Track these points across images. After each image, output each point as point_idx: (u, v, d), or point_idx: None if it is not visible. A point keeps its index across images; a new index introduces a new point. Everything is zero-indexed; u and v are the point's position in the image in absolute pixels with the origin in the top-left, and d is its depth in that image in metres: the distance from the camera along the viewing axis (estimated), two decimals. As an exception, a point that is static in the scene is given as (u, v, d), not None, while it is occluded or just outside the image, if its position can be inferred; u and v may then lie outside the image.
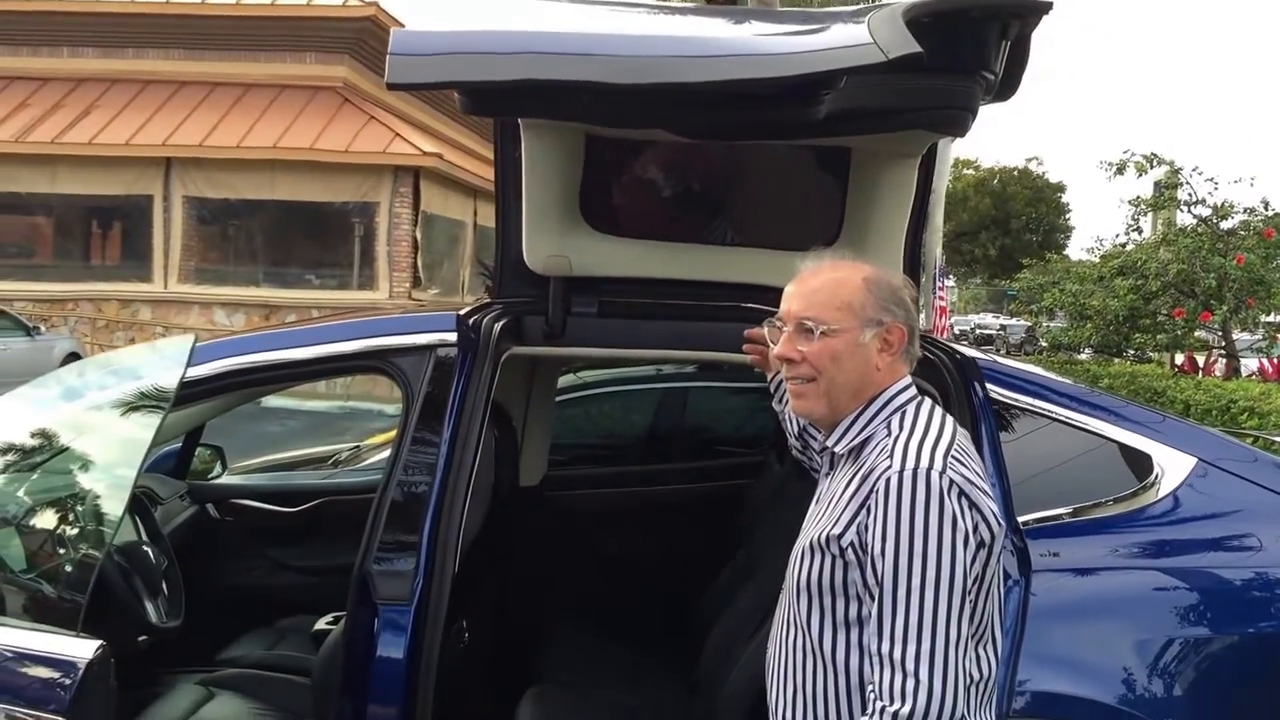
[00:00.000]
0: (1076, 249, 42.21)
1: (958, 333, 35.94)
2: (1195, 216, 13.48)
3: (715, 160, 3.52)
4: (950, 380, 2.99)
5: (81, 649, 2.47)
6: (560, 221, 3.31)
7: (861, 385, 2.16)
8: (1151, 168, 13.56)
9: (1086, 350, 14.61)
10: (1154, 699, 2.82)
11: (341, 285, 20.16)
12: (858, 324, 2.13)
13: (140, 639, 3.43)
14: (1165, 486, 3.09)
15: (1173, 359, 13.83)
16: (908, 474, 1.98)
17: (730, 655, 3.23)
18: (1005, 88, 2.79)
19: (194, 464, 4.65)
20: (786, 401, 2.69)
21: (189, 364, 2.97)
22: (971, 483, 2.01)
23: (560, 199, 3.29)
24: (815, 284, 2.18)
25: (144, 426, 2.90)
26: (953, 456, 2.03)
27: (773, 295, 2.35)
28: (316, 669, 3.12)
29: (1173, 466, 3.12)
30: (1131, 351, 13.69)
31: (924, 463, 1.99)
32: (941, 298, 16.27)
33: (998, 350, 29.07)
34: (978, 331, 44.64)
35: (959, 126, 2.75)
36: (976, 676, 2.05)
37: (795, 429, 2.70)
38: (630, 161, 3.52)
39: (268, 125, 19.86)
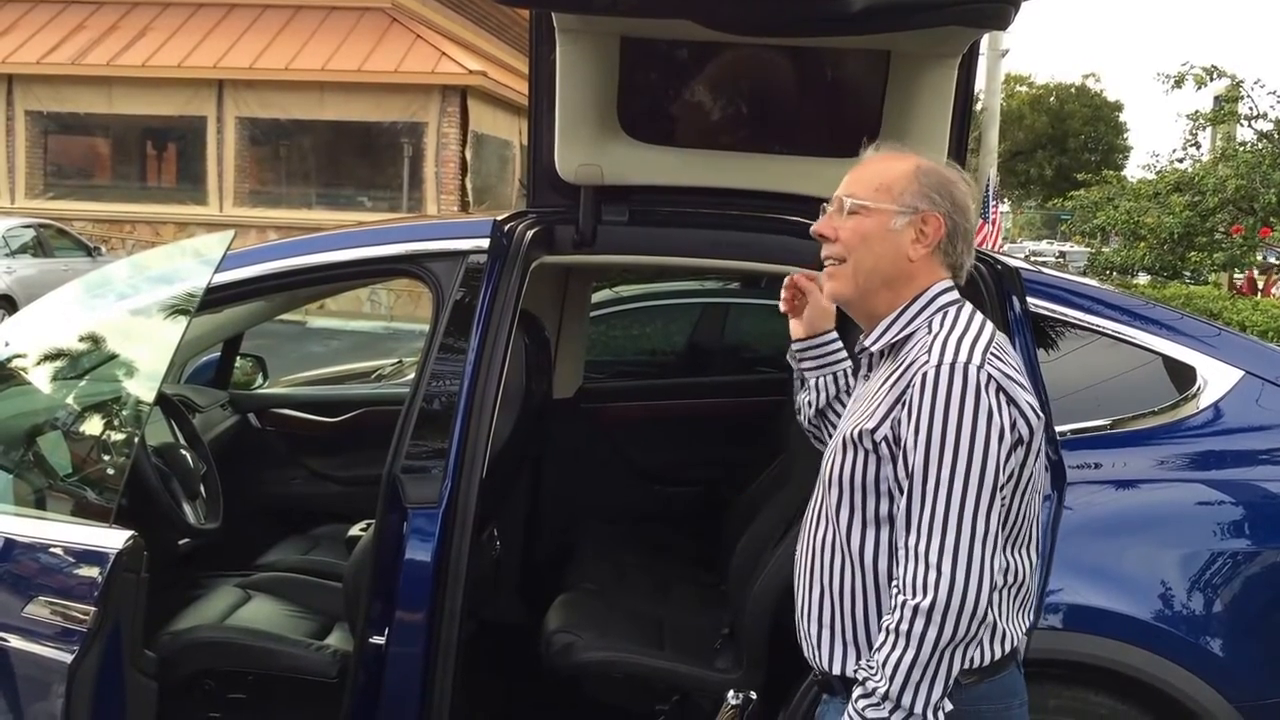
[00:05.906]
0: (1134, 168, 41.21)
1: (1012, 261, 35.45)
2: (1256, 131, 13.08)
3: (752, 67, 3.44)
4: (985, 292, 2.92)
5: (112, 540, 2.51)
6: (593, 130, 3.25)
7: (893, 274, 2.10)
8: (1211, 80, 13.13)
9: (1142, 274, 14.29)
10: (1191, 615, 2.78)
11: (392, 208, 20.18)
12: (893, 207, 2.08)
13: (181, 542, 3.49)
14: (1207, 398, 3.02)
15: (1230, 280, 13.50)
16: (945, 367, 1.94)
17: (758, 561, 3.23)
18: None
19: (236, 375, 4.69)
20: (805, 386, 2.52)
21: (220, 266, 2.99)
22: (1010, 378, 1.97)
23: (594, 106, 3.24)
24: (866, 167, 2.16)
25: (173, 327, 2.92)
26: (991, 353, 1.98)
27: (805, 205, 2.29)
28: (348, 573, 3.16)
29: (1217, 379, 3.05)
30: (1188, 274, 13.38)
31: (961, 357, 1.95)
32: (994, 222, 15.93)
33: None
34: (1033, 259, 43.90)
35: (999, 20, 2.65)
36: (1010, 579, 2.02)
37: (812, 410, 2.49)
38: (666, 68, 3.45)
39: (317, 46, 19.89)
